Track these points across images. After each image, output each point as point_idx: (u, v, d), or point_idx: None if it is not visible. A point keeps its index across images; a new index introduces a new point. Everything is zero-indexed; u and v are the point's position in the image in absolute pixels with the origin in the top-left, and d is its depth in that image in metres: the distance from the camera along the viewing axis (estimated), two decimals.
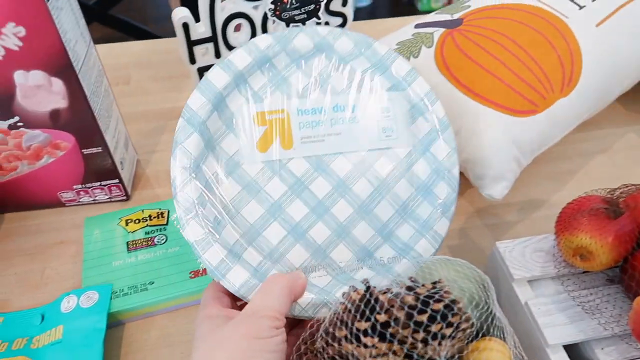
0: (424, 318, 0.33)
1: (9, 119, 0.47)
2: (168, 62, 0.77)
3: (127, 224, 0.54)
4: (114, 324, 0.48)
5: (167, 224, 0.54)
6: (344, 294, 0.38)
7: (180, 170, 0.40)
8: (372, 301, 0.35)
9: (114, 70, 0.74)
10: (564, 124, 0.55)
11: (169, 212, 0.55)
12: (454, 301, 0.35)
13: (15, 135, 0.49)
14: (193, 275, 0.49)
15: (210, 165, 0.42)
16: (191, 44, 0.61)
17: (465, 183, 0.58)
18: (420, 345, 0.33)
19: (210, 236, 0.39)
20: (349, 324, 0.35)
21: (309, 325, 0.39)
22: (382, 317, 0.34)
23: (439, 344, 0.33)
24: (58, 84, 0.46)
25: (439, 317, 0.33)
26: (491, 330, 0.36)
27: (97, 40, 0.54)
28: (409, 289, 0.35)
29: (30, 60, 0.43)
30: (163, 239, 0.52)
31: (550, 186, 0.61)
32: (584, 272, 0.46)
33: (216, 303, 0.39)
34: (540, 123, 0.53)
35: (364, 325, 0.34)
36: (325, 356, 0.36)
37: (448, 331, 0.33)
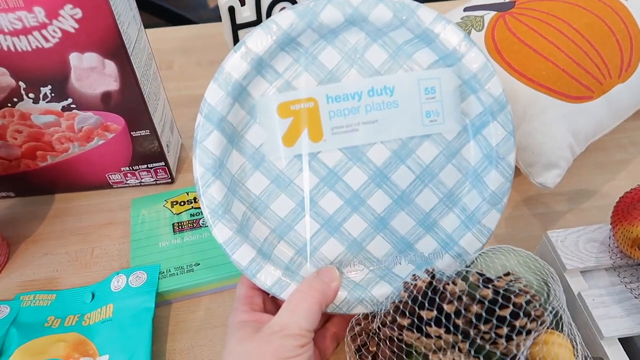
0: (506, 313, 0.32)
1: (62, 101, 0.48)
2: (211, 47, 0.78)
3: (172, 205, 0.54)
4: (161, 303, 0.48)
5: None
6: (404, 283, 0.38)
7: (202, 170, 0.38)
8: (440, 290, 0.34)
9: (157, 55, 0.75)
10: (620, 110, 0.53)
11: None
12: (534, 295, 0.34)
13: (68, 117, 0.50)
14: None
15: (236, 159, 0.39)
16: (236, 27, 0.61)
17: None
18: (501, 340, 0.32)
19: (238, 236, 0.38)
20: (414, 312, 0.34)
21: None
22: (451, 308, 0.33)
23: (525, 339, 0.32)
24: (111, 66, 0.46)
25: (522, 313, 0.32)
26: (553, 323, 0.35)
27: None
28: (487, 281, 0.34)
29: (85, 42, 0.44)
30: None
31: (602, 176, 0.59)
32: None
33: (247, 305, 0.39)
34: (596, 109, 0.51)
35: (430, 314, 0.33)
36: (382, 337, 0.36)
37: (533, 326, 0.32)
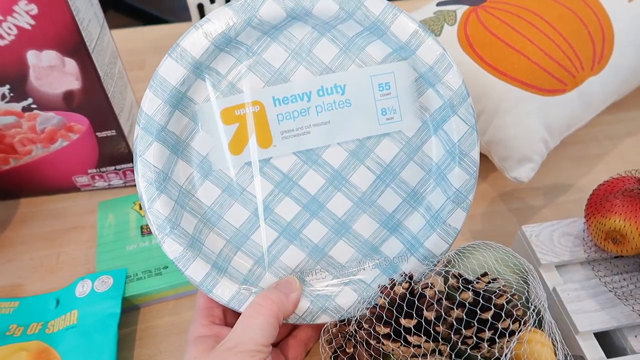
0: (488, 315, 0.31)
1: (22, 101, 0.47)
2: None
3: (140, 207, 0.53)
4: (129, 308, 0.47)
5: None
6: (379, 286, 0.37)
7: (145, 185, 0.35)
8: (419, 293, 0.33)
9: (128, 55, 0.73)
10: (594, 103, 0.53)
11: None
12: (514, 295, 0.33)
13: (29, 118, 0.48)
14: None
15: (183, 170, 0.37)
16: None
17: (488, 166, 0.56)
18: (484, 344, 0.31)
19: (190, 251, 0.36)
20: (393, 318, 0.33)
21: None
22: (431, 314, 0.32)
23: (508, 341, 0.31)
24: (71, 64, 0.45)
25: (504, 314, 0.31)
26: (535, 322, 0.35)
27: (112, 28, 0.53)
28: (466, 282, 0.33)
29: (43, 40, 0.43)
30: None
31: (578, 170, 0.58)
32: (616, 257, 0.43)
33: (207, 318, 0.38)
34: (569, 102, 0.50)
35: (411, 322, 0.32)
36: (359, 339, 0.35)
37: (515, 327, 0.32)
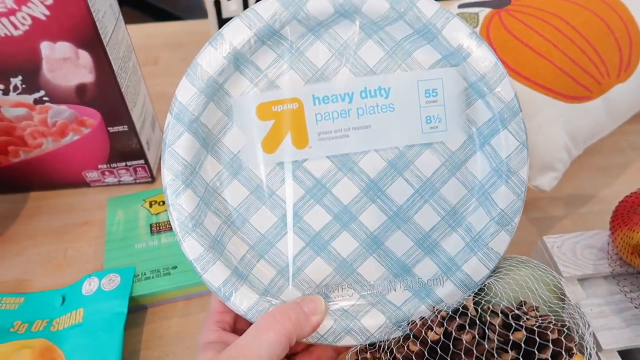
0: (547, 355, 0.29)
1: (34, 93, 0.46)
2: (197, 44, 0.75)
3: (150, 205, 0.52)
4: (136, 308, 0.46)
5: None
6: (409, 322, 0.34)
7: (170, 178, 0.34)
8: (454, 338, 0.31)
9: (143, 51, 0.73)
10: (619, 111, 0.51)
11: None
12: (563, 324, 0.31)
13: (41, 111, 0.48)
14: None
15: (211, 166, 0.35)
16: (222, 22, 0.59)
17: None
18: None
19: (211, 253, 0.34)
20: None
21: None
22: None
23: None
24: (85, 57, 0.44)
25: (564, 351, 0.30)
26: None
27: (127, 24, 0.52)
28: (516, 317, 0.31)
29: (57, 31, 0.42)
30: None
31: (601, 180, 0.56)
32: None
33: (217, 323, 0.36)
34: (594, 109, 0.49)
35: None
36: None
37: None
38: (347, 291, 0.36)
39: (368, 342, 0.36)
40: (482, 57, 0.33)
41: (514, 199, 0.35)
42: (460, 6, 0.58)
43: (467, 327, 0.31)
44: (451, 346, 0.31)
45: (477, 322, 0.32)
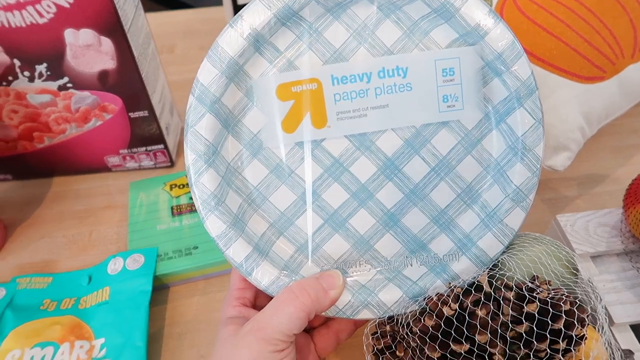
0: (561, 325, 0.30)
1: (58, 80, 0.47)
2: (213, 31, 0.76)
3: (171, 188, 0.53)
4: (159, 287, 0.47)
5: None
6: (426, 298, 0.35)
7: (193, 157, 0.35)
8: (470, 314, 0.32)
9: (159, 39, 0.74)
10: (634, 92, 0.51)
11: None
12: (576, 296, 0.32)
13: (65, 97, 0.49)
14: None
15: (232, 146, 0.36)
16: (237, 9, 0.60)
17: None
18: (558, 356, 0.30)
19: (233, 230, 0.35)
20: (445, 342, 0.32)
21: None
22: (485, 338, 0.30)
23: (579, 347, 0.30)
24: (107, 44, 0.45)
25: (576, 321, 0.30)
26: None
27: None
28: (529, 290, 0.32)
29: (81, 18, 0.43)
30: None
31: (614, 161, 0.57)
32: None
33: (238, 299, 0.37)
34: (608, 89, 0.49)
35: (461, 347, 0.31)
36: (412, 344, 0.33)
37: (584, 331, 0.31)
38: (364, 267, 0.37)
39: (385, 315, 0.36)
40: (500, 36, 0.33)
41: (529, 176, 0.35)
42: None
43: (482, 300, 0.32)
44: (467, 319, 0.32)
45: (492, 295, 0.32)
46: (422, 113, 0.35)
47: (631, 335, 0.38)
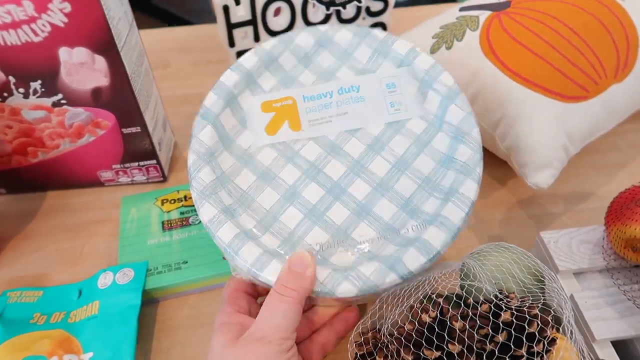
0: (535, 329, 0.32)
1: (52, 96, 0.48)
2: (207, 48, 0.78)
3: (162, 203, 0.54)
4: (149, 301, 0.48)
5: None
6: (411, 308, 0.37)
7: (194, 158, 0.41)
8: (447, 325, 0.34)
9: (154, 55, 0.75)
10: (616, 111, 0.52)
11: None
12: (545, 304, 0.34)
13: (59, 113, 0.50)
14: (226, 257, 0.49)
15: (226, 160, 0.43)
16: (231, 27, 0.61)
17: (507, 172, 0.56)
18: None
19: (223, 214, 0.40)
20: (416, 348, 0.34)
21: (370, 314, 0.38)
22: (456, 348, 0.32)
23: (549, 351, 0.32)
24: (100, 62, 0.46)
25: (548, 328, 0.32)
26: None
27: (139, 28, 0.55)
28: (500, 301, 0.34)
29: (75, 37, 0.44)
30: (198, 220, 0.52)
31: (599, 178, 0.58)
32: (635, 266, 0.43)
33: (233, 306, 0.39)
34: (591, 109, 0.50)
35: (432, 354, 0.33)
36: (391, 349, 0.35)
37: (549, 332, 0.32)
38: (344, 254, 0.40)
39: (365, 286, 0.37)
40: (424, 60, 0.45)
41: (472, 153, 0.41)
42: (462, 9, 0.59)
43: (457, 316, 0.34)
44: (448, 325, 0.34)
45: (468, 311, 0.34)
46: (375, 116, 0.44)
47: (612, 351, 0.39)
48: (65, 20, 0.43)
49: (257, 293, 0.42)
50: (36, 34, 0.43)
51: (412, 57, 0.45)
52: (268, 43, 0.46)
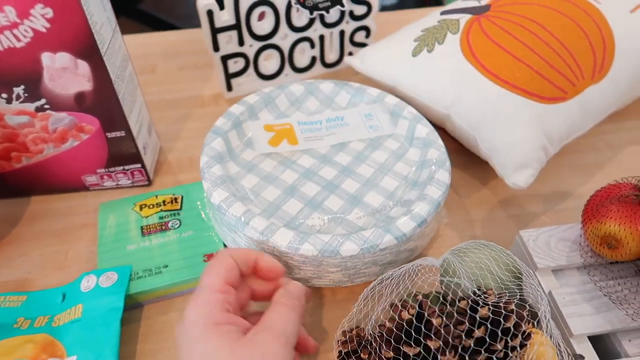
0: (511, 324, 0.33)
1: (35, 101, 0.48)
2: (193, 52, 0.78)
3: (141, 209, 0.54)
4: (133, 305, 0.48)
5: (180, 208, 0.54)
6: (392, 305, 0.39)
7: (206, 159, 0.49)
8: (423, 323, 0.35)
9: (140, 60, 0.75)
10: (594, 112, 0.54)
11: (182, 197, 0.55)
12: (522, 299, 0.35)
13: (42, 118, 0.50)
14: (207, 259, 0.49)
15: (232, 167, 0.51)
16: (215, 31, 0.62)
17: (488, 173, 0.57)
18: (511, 354, 0.33)
19: (233, 197, 0.46)
20: (397, 344, 0.35)
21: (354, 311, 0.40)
22: (434, 344, 0.34)
23: (524, 345, 0.33)
24: (84, 67, 0.46)
25: (523, 323, 0.33)
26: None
27: (125, 33, 0.55)
28: (478, 297, 0.35)
29: (57, 42, 0.44)
30: (177, 224, 0.53)
31: (577, 178, 0.59)
32: (611, 263, 0.44)
33: (223, 303, 0.37)
34: (569, 110, 0.51)
35: (411, 350, 0.34)
36: (374, 346, 0.36)
37: (524, 326, 0.33)
38: (343, 229, 0.46)
39: (366, 245, 0.42)
40: (391, 98, 0.58)
41: (440, 153, 0.51)
42: (443, 13, 0.60)
43: (436, 312, 0.35)
44: (425, 321, 0.35)
45: (448, 307, 0.35)
46: (358, 133, 0.55)
47: (589, 346, 0.40)
48: (48, 25, 0.43)
49: (239, 282, 0.40)
50: (18, 40, 0.44)
51: (382, 97, 0.58)
52: (268, 88, 0.58)
